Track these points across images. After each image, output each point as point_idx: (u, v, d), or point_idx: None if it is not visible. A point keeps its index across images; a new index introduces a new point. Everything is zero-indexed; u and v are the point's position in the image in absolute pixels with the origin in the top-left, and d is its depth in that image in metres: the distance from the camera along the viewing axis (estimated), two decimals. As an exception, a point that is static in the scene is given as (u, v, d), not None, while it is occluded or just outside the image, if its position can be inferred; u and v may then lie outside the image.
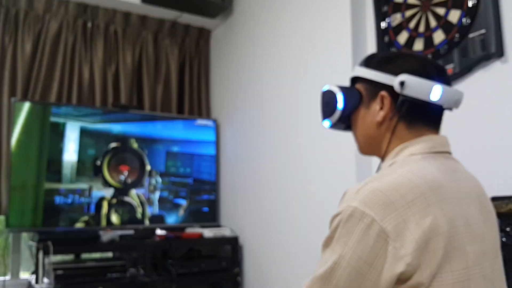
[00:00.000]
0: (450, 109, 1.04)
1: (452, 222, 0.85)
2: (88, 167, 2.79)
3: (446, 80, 1.03)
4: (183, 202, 3.08)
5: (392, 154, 1.00)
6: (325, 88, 1.12)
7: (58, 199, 2.67)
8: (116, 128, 2.91)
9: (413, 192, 0.85)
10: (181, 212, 3.06)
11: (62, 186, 2.69)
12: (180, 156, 3.11)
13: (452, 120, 1.07)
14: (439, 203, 0.86)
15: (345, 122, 1.10)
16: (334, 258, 0.85)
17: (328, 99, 1.10)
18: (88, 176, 2.78)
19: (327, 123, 1.12)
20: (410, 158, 0.96)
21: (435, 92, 0.98)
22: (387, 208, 0.83)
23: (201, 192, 3.16)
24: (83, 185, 2.75)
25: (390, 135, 1.01)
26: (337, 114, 1.08)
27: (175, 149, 3.10)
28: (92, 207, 2.76)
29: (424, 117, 1.01)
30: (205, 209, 3.16)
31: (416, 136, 0.99)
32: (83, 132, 2.79)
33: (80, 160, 2.77)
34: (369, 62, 1.06)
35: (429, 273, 0.81)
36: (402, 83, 0.97)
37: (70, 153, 2.74)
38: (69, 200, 2.71)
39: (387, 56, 1.08)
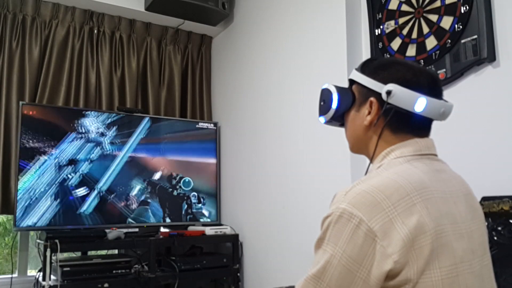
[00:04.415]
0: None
1: (438, 220, 0.88)
2: (98, 167, 2.86)
3: (437, 91, 1.04)
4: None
5: (380, 157, 1.04)
6: (324, 86, 1.17)
7: (66, 198, 2.73)
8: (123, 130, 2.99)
9: (399, 193, 0.88)
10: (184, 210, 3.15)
11: (70, 185, 2.75)
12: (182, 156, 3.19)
13: (445, 123, 1.11)
14: (424, 202, 0.88)
15: (339, 120, 1.15)
16: (326, 258, 0.88)
17: (325, 97, 1.15)
18: (97, 175, 2.86)
19: (322, 119, 1.17)
20: (395, 161, 0.99)
21: (420, 104, 1.00)
22: (374, 208, 0.86)
23: (203, 191, 3.22)
24: (90, 185, 2.82)
25: (377, 138, 1.04)
26: (331, 113, 1.13)
27: (177, 149, 3.17)
28: (100, 204, 2.84)
29: (409, 126, 1.02)
30: (207, 207, 3.23)
31: (402, 140, 1.02)
32: (92, 135, 2.86)
33: (89, 161, 2.84)
34: (365, 67, 1.09)
35: (417, 269, 0.84)
36: (388, 92, 1.00)
37: (78, 154, 2.81)
38: (77, 199, 2.76)
39: (382, 64, 1.09)
